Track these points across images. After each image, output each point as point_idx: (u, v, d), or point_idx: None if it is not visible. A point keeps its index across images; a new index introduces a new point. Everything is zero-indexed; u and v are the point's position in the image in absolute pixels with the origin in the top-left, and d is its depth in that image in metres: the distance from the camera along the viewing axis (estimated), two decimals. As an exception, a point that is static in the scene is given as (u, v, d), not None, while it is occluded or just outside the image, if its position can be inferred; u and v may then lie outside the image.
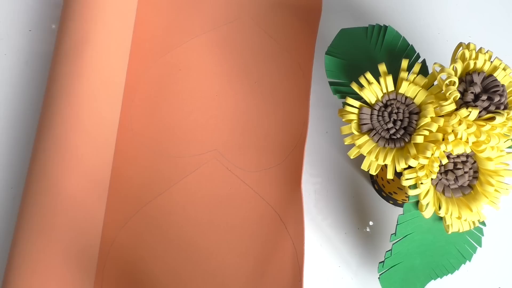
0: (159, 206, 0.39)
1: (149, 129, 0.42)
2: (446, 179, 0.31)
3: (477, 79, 0.31)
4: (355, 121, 0.32)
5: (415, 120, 0.31)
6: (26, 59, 0.44)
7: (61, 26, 0.42)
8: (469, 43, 0.32)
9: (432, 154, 0.30)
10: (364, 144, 0.32)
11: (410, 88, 0.32)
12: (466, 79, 0.32)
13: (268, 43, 0.45)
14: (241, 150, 0.41)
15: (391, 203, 0.40)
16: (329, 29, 0.44)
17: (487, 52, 0.32)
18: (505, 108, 0.31)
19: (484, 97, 0.30)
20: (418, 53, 0.36)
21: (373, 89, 0.32)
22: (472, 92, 0.31)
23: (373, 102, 0.32)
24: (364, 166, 0.32)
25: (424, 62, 0.35)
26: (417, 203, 0.32)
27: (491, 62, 0.32)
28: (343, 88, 0.35)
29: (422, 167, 0.30)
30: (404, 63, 0.33)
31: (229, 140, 0.41)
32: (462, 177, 0.31)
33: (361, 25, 0.39)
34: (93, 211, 0.38)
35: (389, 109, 0.32)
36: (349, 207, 0.40)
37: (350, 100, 0.32)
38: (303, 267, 0.37)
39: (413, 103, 0.32)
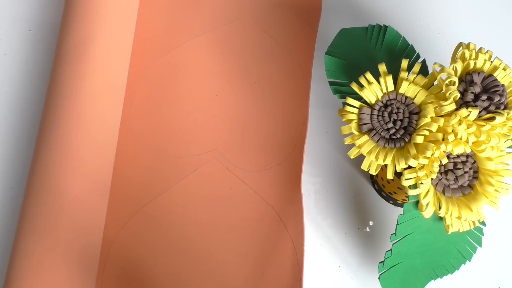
0: (159, 206, 0.39)
1: (149, 129, 0.42)
2: (446, 179, 0.31)
3: (477, 79, 0.31)
4: (355, 121, 0.32)
5: (415, 120, 0.31)
6: (26, 59, 0.44)
7: (63, 26, 0.42)
8: (469, 43, 0.32)
9: (432, 154, 0.30)
10: (364, 144, 0.32)
11: (410, 88, 0.32)
12: (466, 79, 0.32)
13: (268, 43, 0.45)
14: (241, 150, 0.41)
15: (391, 203, 0.40)
16: (329, 29, 0.44)
17: (487, 52, 0.32)
18: (505, 108, 0.31)
19: (484, 97, 0.30)
20: (418, 53, 0.36)
21: (373, 89, 0.32)
22: (472, 92, 0.31)
23: (373, 102, 0.32)
24: (364, 166, 0.32)
25: (424, 62, 0.35)
26: (417, 203, 0.32)
27: (491, 62, 0.32)
28: (343, 88, 0.35)
29: (422, 167, 0.30)
30: (404, 63, 0.33)
31: (229, 140, 0.41)
32: (462, 177, 0.31)
33: (361, 25, 0.39)
34: (95, 211, 0.38)
35: (389, 109, 0.32)
36: (349, 207, 0.40)
37: (350, 100, 0.32)
38: (303, 267, 0.37)
39: (413, 103, 0.32)
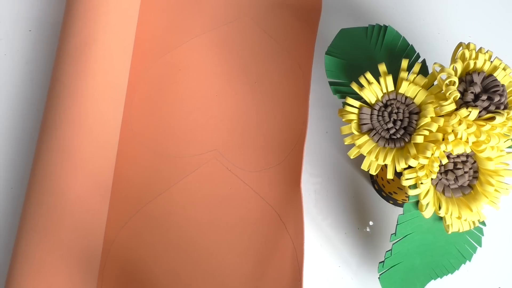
0: (159, 206, 0.39)
1: (149, 129, 0.42)
2: (446, 179, 0.31)
3: (477, 79, 0.31)
4: (355, 121, 0.32)
5: (415, 120, 0.31)
6: (26, 59, 0.44)
7: (64, 26, 0.42)
8: (469, 43, 0.32)
9: (432, 154, 0.30)
10: (364, 144, 0.32)
11: (410, 88, 0.32)
12: (466, 79, 0.32)
13: (268, 43, 0.45)
14: (241, 150, 0.41)
15: (391, 203, 0.40)
16: (329, 29, 0.44)
17: (487, 52, 0.32)
18: (505, 108, 0.31)
19: (484, 97, 0.30)
20: (418, 53, 0.36)
21: (373, 89, 0.32)
22: (472, 92, 0.31)
23: (373, 102, 0.32)
24: (364, 166, 0.32)
25: (424, 62, 0.35)
26: (417, 203, 0.32)
27: (491, 62, 0.32)
28: (343, 88, 0.35)
29: (422, 167, 0.30)
30: (404, 63, 0.33)
31: (229, 140, 0.41)
32: (462, 177, 0.31)
33: (361, 25, 0.39)
34: (96, 212, 0.38)
35: (389, 109, 0.32)
36: (349, 207, 0.40)
37: (350, 100, 0.32)
38: (303, 267, 0.37)
39: (413, 103, 0.32)
